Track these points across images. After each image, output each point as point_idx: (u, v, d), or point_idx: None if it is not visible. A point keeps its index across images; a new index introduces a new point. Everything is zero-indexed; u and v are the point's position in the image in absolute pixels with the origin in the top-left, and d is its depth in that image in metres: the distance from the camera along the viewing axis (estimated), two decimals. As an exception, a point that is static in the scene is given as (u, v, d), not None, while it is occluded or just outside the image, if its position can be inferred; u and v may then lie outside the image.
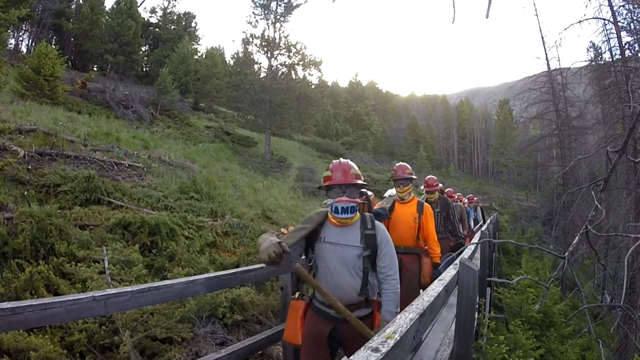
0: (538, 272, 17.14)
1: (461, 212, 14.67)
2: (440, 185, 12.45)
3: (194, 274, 9.77)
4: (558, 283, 18.13)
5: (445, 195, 13.29)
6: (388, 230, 5.06)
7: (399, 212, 8.05)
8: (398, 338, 2.60)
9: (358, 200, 4.63)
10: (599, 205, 5.84)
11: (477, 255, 10.32)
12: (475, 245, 8.85)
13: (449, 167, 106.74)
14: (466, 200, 22.12)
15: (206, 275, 4.98)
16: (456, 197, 18.74)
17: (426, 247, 8.05)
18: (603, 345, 5.78)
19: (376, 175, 56.59)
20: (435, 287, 4.29)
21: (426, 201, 10.66)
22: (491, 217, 27.38)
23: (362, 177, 4.83)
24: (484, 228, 16.84)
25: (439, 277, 5.01)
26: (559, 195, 28.96)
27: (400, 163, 8.61)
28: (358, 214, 4.79)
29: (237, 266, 12.25)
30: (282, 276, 6.65)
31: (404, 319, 2.95)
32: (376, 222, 4.79)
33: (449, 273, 5.30)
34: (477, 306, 6.70)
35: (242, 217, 18.74)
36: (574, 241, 5.92)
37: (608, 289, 20.74)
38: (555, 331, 10.22)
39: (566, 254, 5.66)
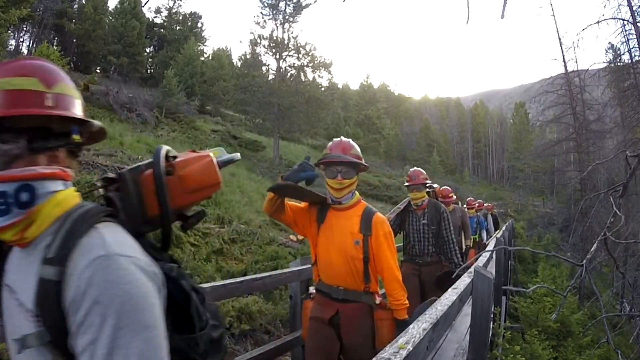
0: (555, 280, 17.13)
1: (462, 218, 11.82)
2: (430, 183, 8.64)
3: (200, 283, 9.77)
4: (576, 292, 18.09)
5: (445, 199, 11.36)
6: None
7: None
8: (411, 349, 2.59)
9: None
10: (617, 211, 5.81)
11: (492, 263, 10.30)
12: (490, 252, 8.83)
13: (463, 172, 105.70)
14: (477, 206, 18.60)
15: (212, 283, 5.02)
16: (477, 204, 18.20)
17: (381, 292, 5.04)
18: (622, 356, 5.77)
19: (388, 180, 56.60)
20: (450, 296, 4.28)
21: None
22: (506, 224, 27.18)
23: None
24: (499, 235, 16.81)
25: (453, 286, 4.96)
26: (576, 201, 28.79)
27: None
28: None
29: (245, 274, 12.26)
30: (291, 284, 6.66)
31: (417, 329, 2.94)
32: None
33: (463, 281, 5.26)
34: (492, 315, 6.70)
35: (249, 223, 18.75)
36: (592, 248, 5.91)
37: (627, 297, 20.59)
38: (573, 341, 10.20)
39: (584, 261, 5.64)
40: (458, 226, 11.41)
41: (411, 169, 8.46)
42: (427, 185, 8.09)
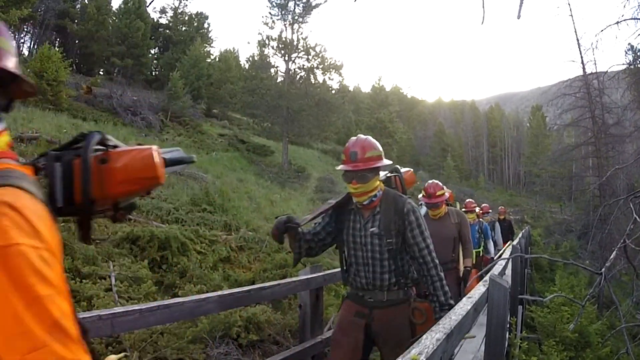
0: (573, 289, 17.04)
1: (460, 225, 8.62)
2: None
3: (207, 291, 9.82)
4: (594, 301, 18.00)
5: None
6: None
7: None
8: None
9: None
10: (638, 217, 5.81)
11: (508, 271, 10.28)
12: (506, 260, 8.82)
13: (478, 178, 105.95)
14: (478, 210, 15.46)
15: (219, 292, 4.99)
16: (479, 210, 15.69)
17: None
18: (642, 368, 5.77)
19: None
20: (464, 306, 4.25)
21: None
22: (523, 231, 27.05)
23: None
24: (515, 242, 16.68)
25: (468, 295, 4.98)
26: (595, 208, 28.65)
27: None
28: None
29: (253, 283, 12.25)
30: (300, 293, 6.68)
31: (430, 340, 2.94)
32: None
33: (478, 290, 5.26)
34: (508, 325, 6.66)
35: (258, 230, 18.80)
36: (611, 256, 5.92)
37: (647, 307, 20.58)
38: (592, 352, 10.15)
39: (603, 269, 5.66)
40: (453, 238, 8.38)
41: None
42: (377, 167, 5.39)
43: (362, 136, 4.74)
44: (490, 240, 14.15)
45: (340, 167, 4.66)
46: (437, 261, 4.59)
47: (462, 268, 8.51)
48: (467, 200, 14.91)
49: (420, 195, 8.87)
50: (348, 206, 4.84)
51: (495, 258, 13.43)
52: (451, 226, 8.41)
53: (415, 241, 4.53)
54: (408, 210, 4.57)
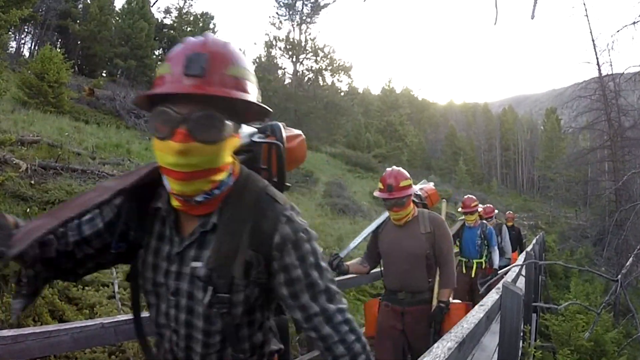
0: (588, 296, 16.98)
1: (435, 234, 6.08)
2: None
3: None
4: (610, 309, 17.95)
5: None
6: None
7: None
8: (435, 369, 2.60)
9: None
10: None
11: (522, 278, 10.26)
12: (519, 267, 8.83)
13: (490, 182, 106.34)
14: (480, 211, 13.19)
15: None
16: (482, 209, 13.12)
17: None
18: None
19: (410, 190, 56.48)
20: (476, 314, 4.29)
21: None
22: (537, 237, 26.95)
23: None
24: (529, 249, 16.57)
25: (480, 302, 5.05)
26: (611, 213, 28.56)
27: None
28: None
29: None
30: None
31: (442, 349, 2.94)
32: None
33: (491, 298, 5.34)
34: (521, 334, 6.68)
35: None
36: (628, 262, 5.94)
37: (665, 315, 20.50)
38: (607, 361, 10.14)
39: (619, 276, 5.69)
40: (424, 255, 5.86)
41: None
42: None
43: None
44: (496, 247, 11.67)
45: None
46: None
47: (434, 303, 5.79)
48: (466, 197, 11.84)
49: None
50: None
51: (496, 268, 11.41)
52: (422, 238, 5.80)
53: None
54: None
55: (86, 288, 9.55)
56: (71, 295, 9.27)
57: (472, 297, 10.48)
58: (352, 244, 6.75)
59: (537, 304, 8.21)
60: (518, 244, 18.21)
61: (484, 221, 12.29)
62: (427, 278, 5.76)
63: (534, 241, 22.43)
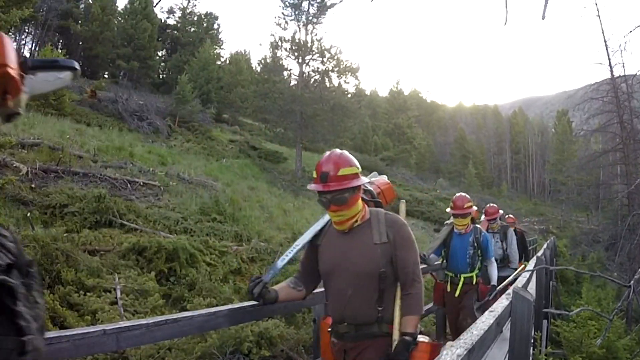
0: (600, 302, 16.94)
1: (395, 241, 4.46)
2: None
3: (217, 305, 9.87)
4: (623, 315, 17.89)
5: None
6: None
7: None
8: (444, 376, 2.59)
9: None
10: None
11: (533, 284, 10.22)
12: (530, 272, 8.81)
13: (500, 186, 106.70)
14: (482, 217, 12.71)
15: (230, 306, 4.94)
16: (475, 210, 10.41)
17: None
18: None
19: (419, 194, 56.42)
20: (486, 320, 4.26)
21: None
22: (548, 242, 26.87)
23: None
24: (539, 253, 16.42)
25: (490, 308, 4.98)
26: (623, 217, 28.51)
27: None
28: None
29: (265, 296, 12.08)
30: (314, 307, 6.56)
31: (451, 355, 2.93)
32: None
33: (501, 304, 5.25)
34: (532, 341, 6.64)
35: (270, 241, 18.81)
36: (641, 268, 5.91)
37: (679, 321, 20.47)
38: (620, 369, 10.11)
39: (632, 282, 5.65)
40: (376, 274, 4.29)
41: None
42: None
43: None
44: (493, 259, 9.74)
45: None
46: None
47: (395, 337, 4.16)
48: (458, 195, 9.79)
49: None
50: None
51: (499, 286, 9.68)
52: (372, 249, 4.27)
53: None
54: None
55: (88, 294, 9.59)
56: (72, 302, 9.29)
57: (456, 326, 9.26)
58: (280, 262, 5.02)
59: (548, 310, 8.18)
60: (523, 251, 15.17)
61: (477, 226, 9.73)
62: (377, 306, 4.14)
63: (545, 246, 22.32)
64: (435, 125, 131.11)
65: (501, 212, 13.54)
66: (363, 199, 4.40)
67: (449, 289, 9.43)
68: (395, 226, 4.22)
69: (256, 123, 62.48)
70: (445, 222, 10.42)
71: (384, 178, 5.33)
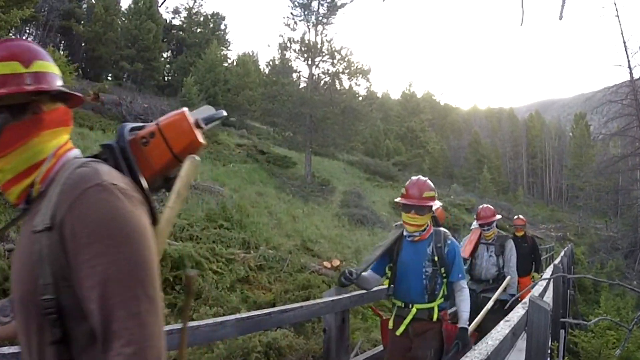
0: (619, 311, 16.93)
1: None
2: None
3: (224, 314, 9.94)
4: (643, 325, 17.91)
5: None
6: None
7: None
8: (460, 387, 2.60)
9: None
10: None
11: (549, 292, 10.20)
12: (547, 280, 8.77)
13: (516, 191, 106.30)
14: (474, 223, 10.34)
15: (237, 315, 5.00)
16: (437, 208, 7.58)
17: None
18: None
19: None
20: (502, 330, 4.27)
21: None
22: (565, 249, 26.84)
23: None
24: (556, 261, 16.35)
25: (506, 318, 4.97)
26: (643, 224, 28.48)
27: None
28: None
29: (273, 305, 12.26)
30: (325, 317, 6.70)
31: (466, 367, 2.95)
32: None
33: (517, 313, 5.25)
34: (549, 351, 6.66)
35: (278, 248, 18.81)
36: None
37: (700, 331, 20.40)
38: (640, 380, 10.10)
39: (652, 291, 5.65)
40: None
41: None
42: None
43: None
44: (461, 282, 6.40)
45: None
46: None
47: None
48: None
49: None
50: None
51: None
52: None
53: None
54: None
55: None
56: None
57: None
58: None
59: (565, 320, 8.14)
60: (533, 261, 14.00)
61: (441, 228, 6.66)
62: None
63: (562, 253, 22.31)
64: (449, 129, 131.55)
65: (498, 216, 10.11)
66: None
67: (391, 325, 6.44)
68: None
69: (264, 127, 61.88)
70: (394, 224, 7.02)
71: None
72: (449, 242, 6.36)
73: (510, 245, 9.77)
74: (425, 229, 6.04)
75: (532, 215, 69.15)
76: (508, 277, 9.40)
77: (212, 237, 17.21)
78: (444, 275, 6.07)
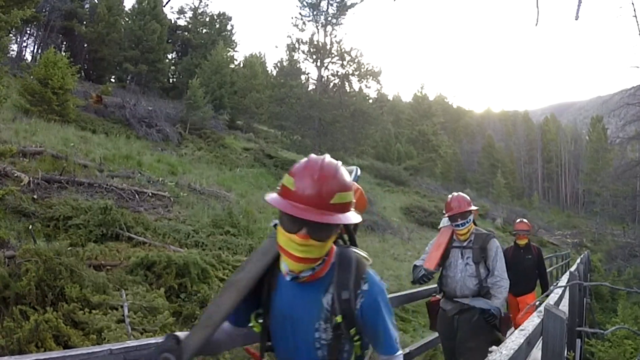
0: (637, 320, 16.86)
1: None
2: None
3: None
4: (662, 334, 17.89)
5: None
6: None
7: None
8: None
9: None
10: None
11: (565, 301, 10.17)
12: (563, 288, 8.74)
13: (531, 197, 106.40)
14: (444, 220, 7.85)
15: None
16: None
17: None
18: None
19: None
20: (516, 339, 4.23)
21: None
22: (582, 256, 26.80)
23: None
24: (572, 269, 16.26)
25: (520, 327, 4.91)
26: (662, 230, 28.44)
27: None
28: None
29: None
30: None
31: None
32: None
33: (532, 322, 5.20)
34: (565, 362, 6.62)
35: (285, 255, 18.61)
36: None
37: None
38: (658, 391, 10.06)
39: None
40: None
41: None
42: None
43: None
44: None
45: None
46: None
47: None
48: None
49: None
50: None
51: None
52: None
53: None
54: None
55: (93, 311, 9.54)
56: (77, 319, 9.26)
57: None
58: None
59: (581, 329, 8.11)
60: (539, 276, 12.54)
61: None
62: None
63: (578, 260, 22.29)
64: (461, 133, 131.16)
65: (474, 207, 7.33)
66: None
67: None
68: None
69: (272, 130, 62.27)
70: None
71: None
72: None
73: (495, 245, 7.11)
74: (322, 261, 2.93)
75: (548, 221, 69.08)
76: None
77: (218, 244, 17.20)
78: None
